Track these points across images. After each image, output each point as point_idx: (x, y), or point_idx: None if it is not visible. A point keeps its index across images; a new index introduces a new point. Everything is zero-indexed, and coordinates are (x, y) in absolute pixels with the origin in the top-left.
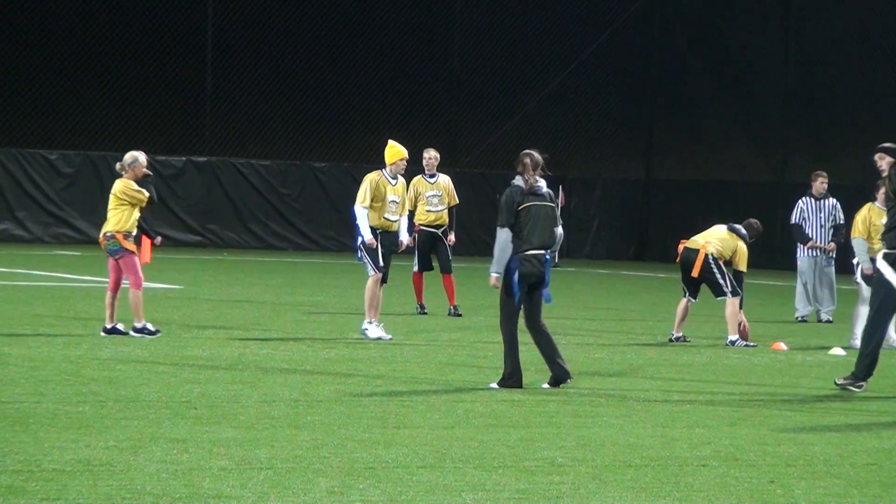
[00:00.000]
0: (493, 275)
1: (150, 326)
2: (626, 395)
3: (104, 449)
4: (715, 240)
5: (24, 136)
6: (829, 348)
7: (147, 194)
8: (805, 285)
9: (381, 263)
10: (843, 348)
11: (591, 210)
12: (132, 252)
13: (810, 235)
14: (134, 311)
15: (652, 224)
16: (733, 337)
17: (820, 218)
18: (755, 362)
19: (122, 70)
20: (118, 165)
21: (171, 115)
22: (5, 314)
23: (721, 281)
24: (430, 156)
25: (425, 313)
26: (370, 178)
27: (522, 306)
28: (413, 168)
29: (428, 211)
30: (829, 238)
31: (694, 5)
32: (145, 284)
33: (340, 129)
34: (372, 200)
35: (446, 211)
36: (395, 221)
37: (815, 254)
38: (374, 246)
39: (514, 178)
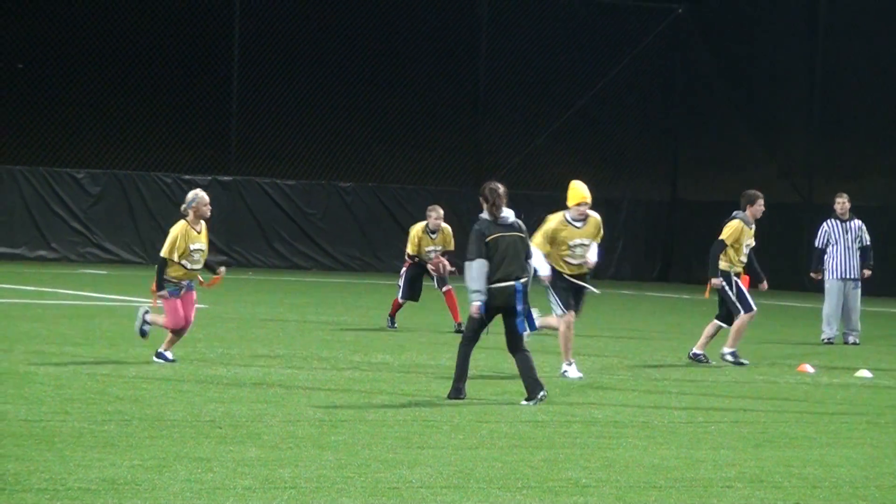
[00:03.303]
0: (475, 304)
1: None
2: (651, 416)
3: (129, 468)
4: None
5: (51, 155)
6: (855, 370)
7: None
8: (832, 307)
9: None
10: (870, 370)
11: (615, 231)
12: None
13: (837, 258)
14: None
15: (676, 245)
16: (728, 349)
17: (847, 240)
18: (781, 384)
19: (149, 89)
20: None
21: (197, 134)
22: (31, 333)
23: (733, 300)
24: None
25: (461, 331)
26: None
27: (505, 334)
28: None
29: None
30: (858, 260)
31: (719, 27)
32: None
33: (366, 148)
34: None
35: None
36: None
37: (842, 276)
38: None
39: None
